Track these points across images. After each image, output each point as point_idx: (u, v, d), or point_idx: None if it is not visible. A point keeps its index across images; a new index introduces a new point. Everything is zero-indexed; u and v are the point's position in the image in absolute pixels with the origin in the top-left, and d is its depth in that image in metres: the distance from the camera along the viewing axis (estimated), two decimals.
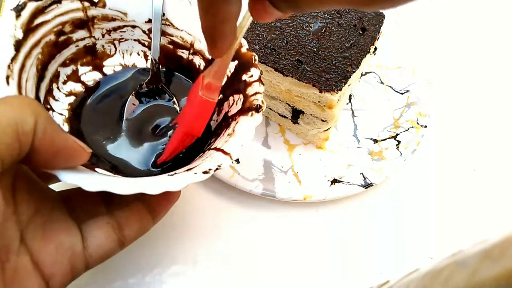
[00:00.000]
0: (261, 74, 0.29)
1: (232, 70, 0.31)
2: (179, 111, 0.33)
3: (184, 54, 0.34)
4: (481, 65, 0.50)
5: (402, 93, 0.45)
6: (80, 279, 0.25)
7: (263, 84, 0.29)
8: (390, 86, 0.45)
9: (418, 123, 0.42)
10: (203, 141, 0.31)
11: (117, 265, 0.34)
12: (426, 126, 0.41)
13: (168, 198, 0.27)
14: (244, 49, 0.30)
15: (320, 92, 0.35)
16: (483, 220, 0.38)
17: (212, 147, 0.28)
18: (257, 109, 0.28)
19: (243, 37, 0.30)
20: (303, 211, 0.38)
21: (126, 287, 0.33)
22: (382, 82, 0.46)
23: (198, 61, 0.33)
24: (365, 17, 0.40)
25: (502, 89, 0.49)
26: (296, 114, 0.39)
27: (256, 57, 0.30)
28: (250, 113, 0.28)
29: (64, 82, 0.32)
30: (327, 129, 0.39)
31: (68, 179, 0.22)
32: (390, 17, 0.48)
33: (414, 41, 0.48)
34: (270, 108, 0.41)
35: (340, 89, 0.34)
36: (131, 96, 0.32)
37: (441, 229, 0.38)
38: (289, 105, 0.39)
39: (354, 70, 0.36)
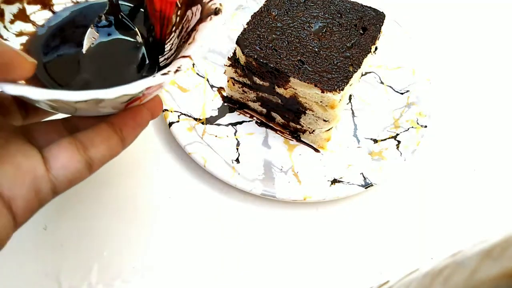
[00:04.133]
0: None
1: None
2: (141, 42, 0.31)
3: None
4: (481, 65, 0.50)
5: (402, 93, 0.45)
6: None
7: None
8: (390, 86, 0.45)
9: (418, 123, 0.42)
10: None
11: (118, 264, 0.34)
12: (426, 126, 0.41)
13: (134, 119, 0.26)
14: None
15: (322, 92, 0.35)
16: (483, 220, 0.38)
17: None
18: (216, 12, 0.27)
19: None
20: (303, 211, 0.38)
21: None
22: (382, 82, 0.46)
23: None
24: (366, 17, 0.40)
25: (502, 89, 0.49)
26: (298, 115, 0.39)
27: None
28: (209, 17, 0.27)
29: (12, 22, 0.30)
30: (329, 129, 0.39)
31: (12, 90, 0.20)
32: (390, 17, 0.48)
33: (414, 41, 0.48)
34: (271, 111, 0.41)
35: (342, 89, 0.34)
36: (90, 29, 0.30)
37: (441, 229, 0.38)
38: (291, 106, 0.39)
39: (355, 70, 0.36)
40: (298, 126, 0.40)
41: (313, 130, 0.39)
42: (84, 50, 0.30)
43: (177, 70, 0.24)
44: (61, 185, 0.23)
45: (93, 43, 0.30)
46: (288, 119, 0.41)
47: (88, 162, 0.24)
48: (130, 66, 0.29)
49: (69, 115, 0.27)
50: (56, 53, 0.30)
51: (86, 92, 0.21)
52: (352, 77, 0.35)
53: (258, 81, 0.39)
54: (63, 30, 0.31)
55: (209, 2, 0.28)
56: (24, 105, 0.27)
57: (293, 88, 0.36)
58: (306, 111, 0.38)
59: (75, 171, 0.23)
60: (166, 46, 0.30)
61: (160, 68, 0.28)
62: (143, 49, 0.31)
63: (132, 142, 0.26)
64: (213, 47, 0.47)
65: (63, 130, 0.25)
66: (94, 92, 0.21)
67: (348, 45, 0.37)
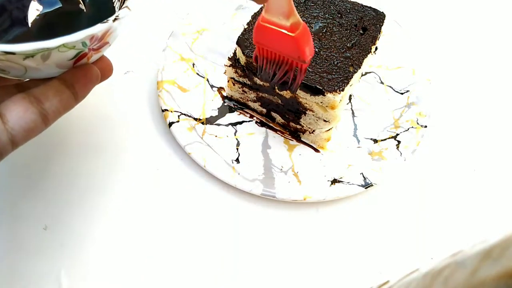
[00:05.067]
0: None
1: None
2: (85, 11, 0.31)
3: None
4: (481, 65, 0.50)
5: (402, 93, 0.45)
6: None
7: None
8: (390, 86, 0.45)
9: (418, 123, 0.42)
10: None
11: (118, 263, 0.34)
12: (426, 126, 0.41)
13: (85, 76, 0.27)
14: None
15: (323, 95, 0.35)
16: (483, 220, 0.38)
17: None
18: None
19: None
20: (303, 211, 0.38)
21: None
22: (382, 82, 0.46)
23: None
24: (366, 17, 0.40)
25: (502, 89, 0.49)
26: (298, 115, 0.39)
27: None
28: None
29: None
30: (329, 129, 0.39)
31: None
32: (390, 17, 0.48)
33: (414, 41, 0.48)
34: (272, 111, 0.41)
35: (343, 90, 0.34)
36: (32, 2, 0.30)
37: (441, 229, 0.38)
38: (291, 106, 0.39)
39: (356, 70, 0.36)
40: (298, 126, 0.40)
41: (313, 130, 0.39)
42: (29, 23, 0.29)
43: (115, 19, 0.24)
44: (18, 136, 0.24)
45: (38, 16, 0.30)
46: (288, 119, 0.41)
47: (43, 113, 0.25)
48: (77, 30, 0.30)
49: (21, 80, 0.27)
50: (1, 29, 0.29)
51: (30, 44, 0.21)
52: (352, 77, 0.35)
53: (258, 81, 0.39)
54: (4, 8, 0.30)
55: None
56: None
57: None
58: (306, 112, 0.38)
59: (30, 122, 0.24)
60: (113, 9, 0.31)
61: None
62: (89, 15, 0.31)
63: (84, 97, 0.27)
64: (213, 47, 0.47)
65: (16, 93, 0.26)
66: (40, 44, 0.21)
67: (348, 45, 0.37)
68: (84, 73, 0.27)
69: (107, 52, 0.29)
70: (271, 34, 0.28)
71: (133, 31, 0.48)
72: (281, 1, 0.26)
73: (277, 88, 0.35)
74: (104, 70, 0.29)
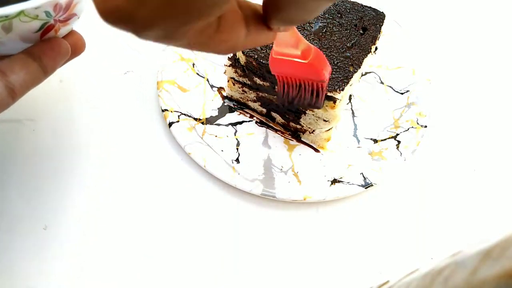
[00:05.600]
0: None
1: None
2: None
3: None
4: (481, 65, 0.50)
5: (402, 93, 0.45)
6: None
7: None
8: (390, 86, 0.45)
9: (418, 123, 0.42)
10: None
11: (119, 263, 0.34)
12: (426, 126, 0.41)
13: (52, 48, 0.26)
14: None
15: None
16: (483, 220, 0.38)
17: None
18: None
19: None
20: (303, 211, 0.38)
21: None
22: (382, 82, 0.46)
23: None
24: (366, 17, 0.40)
25: (502, 89, 0.49)
26: (298, 115, 0.39)
27: None
28: None
29: None
30: (329, 129, 0.39)
31: None
32: (390, 17, 0.48)
33: (414, 41, 0.48)
34: (272, 112, 0.41)
35: (343, 89, 0.34)
36: None
37: (441, 229, 0.38)
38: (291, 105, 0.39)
39: (355, 70, 0.36)
40: (298, 126, 0.40)
41: (313, 130, 0.39)
42: None
43: None
44: None
45: None
46: (288, 119, 0.41)
47: (10, 87, 0.24)
48: None
49: None
50: None
51: None
52: (352, 77, 0.35)
53: (258, 81, 0.39)
54: None
55: None
56: None
57: None
58: (306, 111, 0.38)
59: None
60: None
61: None
62: None
63: (54, 71, 0.26)
64: None
65: None
66: None
67: (348, 45, 0.37)
68: (51, 45, 0.26)
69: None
70: (286, 64, 0.29)
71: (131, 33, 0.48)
72: (287, 35, 0.27)
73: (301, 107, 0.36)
74: (75, 45, 0.28)
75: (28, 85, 0.25)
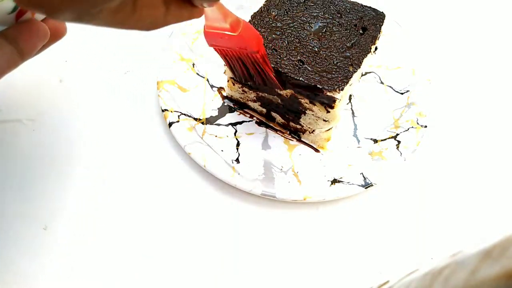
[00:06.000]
0: None
1: None
2: None
3: None
4: (481, 65, 0.50)
5: (402, 93, 0.45)
6: None
7: None
8: (390, 86, 0.45)
9: (418, 123, 0.42)
10: None
11: (119, 263, 0.34)
12: (426, 126, 0.41)
13: (29, 31, 0.25)
14: None
15: (323, 93, 0.35)
16: (483, 220, 0.38)
17: None
18: None
19: None
20: (303, 211, 0.38)
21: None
22: (382, 82, 0.46)
23: None
24: (366, 17, 0.40)
25: (502, 89, 0.49)
26: (298, 115, 0.39)
27: None
28: None
29: None
30: (329, 129, 0.39)
31: None
32: (390, 17, 0.48)
33: (414, 41, 0.48)
34: (271, 112, 0.41)
35: (342, 89, 0.34)
36: None
37: (441, 229, 0.38)
38: (291, 106, 0.39)
39: (355, 70, 0.36)
40: (298, 126, 0.40)
41: (313, 130, 0.39)
42: None
43: None
44: None
45: None
46: (288, 119, 0.41)
47: None
48: None
49: None
50: None
51: None
52: (352, 77, 0.35)
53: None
54: None
55: None
56: None
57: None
58: (306, 111, 0.38)
59: None
60: None
61: None
62: None
63: (32, 54, 0.26)
64: None
65: None
66: None
67: (348, 45, 0.37)
68: (28, 27, 0.25)
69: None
70: (218, 37, 0.32)
71: (133, 31, 0.48)
72: (215, 10, 0.30)
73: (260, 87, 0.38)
74: (56, 28, 0.27)
75: (3, 69, 0.24)
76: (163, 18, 0.20)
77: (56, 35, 0.27)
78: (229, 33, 0.31)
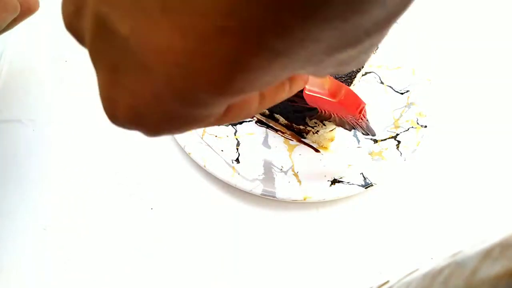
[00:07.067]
0: None
1: None
2: None
3: None
4: (481, 65, 0.50)
5: (402, 93, 0.45)
6: None
7: None
8: (390, 86, 0.45)
9: (418, 123, 0.42)
10: None
11: (118, 262, 0.34)
12: (426, 126, 0.41)
13: (5, 7, 0.25)
14: None
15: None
16: (483, 220, 0.38)
17: None
18: None
19: None
20: (303, 211, 0.38)
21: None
22: (382, 82, 0.46)
23: None
24: None
25: (502, 89, 0.49)
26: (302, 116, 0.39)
27: None
28: None
29: None
30: (333, 129, 0.39)
31: None
32: None
33: (414, 41, 0.48)
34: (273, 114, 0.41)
35: None
36: None
37: (441, 229, 0.38)
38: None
39: (359, 70, 0.36)
40: (302, 127, 0.40)
41: (317, 131, 0.39)
42: None
43: None
44: None
45: None
46: (292, 120, 0.41)
47: None
48: None
49: None
50: None
51: None
52: (356, 77, 0.35)
53: None
54: None
55: None
56: None
57: None
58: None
59: None
60: None
61: None
62: None
63: (1, 27, 0.25)
64: None
65: None
66: None
67: None
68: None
69: None
70: (319, 100, 0.31)
71: None
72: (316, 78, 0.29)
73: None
74: (27, 3, 0.26)
75: None
76: (257, 107, 0.18)
77: (28, 9, 0.27)
78: (329, 98, 0.31)
